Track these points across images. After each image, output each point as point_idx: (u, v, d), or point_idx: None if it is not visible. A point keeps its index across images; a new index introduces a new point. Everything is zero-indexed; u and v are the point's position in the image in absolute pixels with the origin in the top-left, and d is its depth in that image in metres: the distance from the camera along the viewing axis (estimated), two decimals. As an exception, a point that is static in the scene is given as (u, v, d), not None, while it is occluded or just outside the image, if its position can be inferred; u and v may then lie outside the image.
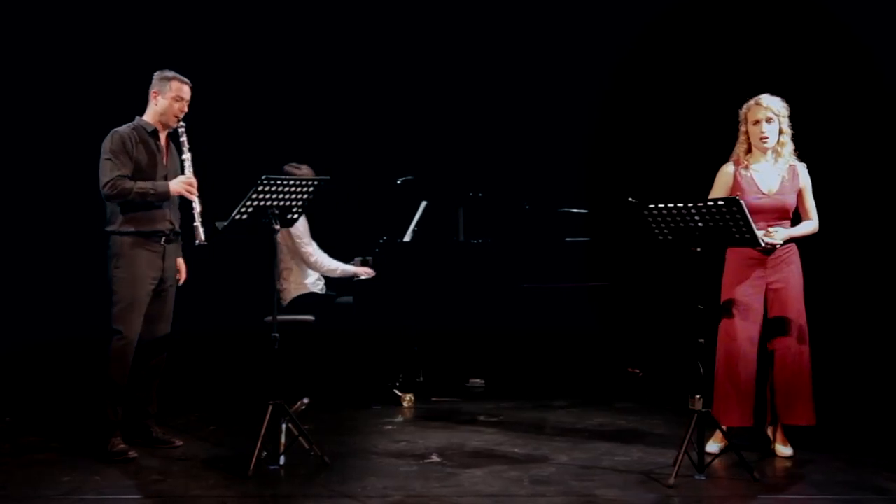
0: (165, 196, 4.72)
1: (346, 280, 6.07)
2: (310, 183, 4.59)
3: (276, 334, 4.53)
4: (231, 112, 7.87)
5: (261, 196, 4.45)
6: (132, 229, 4.67)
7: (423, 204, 6.46)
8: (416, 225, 6.40)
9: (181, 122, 4.81)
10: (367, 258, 6.31)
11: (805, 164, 4.72)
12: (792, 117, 4.70)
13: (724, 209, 4.20)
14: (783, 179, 4.64)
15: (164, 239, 4.76)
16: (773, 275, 4.65)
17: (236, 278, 7.34)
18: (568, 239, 6.30)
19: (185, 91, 4.83)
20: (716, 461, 4.51)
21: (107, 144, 4.68)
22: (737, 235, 4.29)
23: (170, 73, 4.83)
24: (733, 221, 4.23)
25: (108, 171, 4.62)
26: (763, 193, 4.63)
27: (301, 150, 7.50)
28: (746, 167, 4.69)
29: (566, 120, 7.81)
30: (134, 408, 4.84)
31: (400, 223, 6.46)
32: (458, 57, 7.99)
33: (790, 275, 4.66)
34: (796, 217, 4.73)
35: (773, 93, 4.71)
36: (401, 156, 7.54)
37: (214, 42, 7.85)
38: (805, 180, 4.69)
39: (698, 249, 4.37)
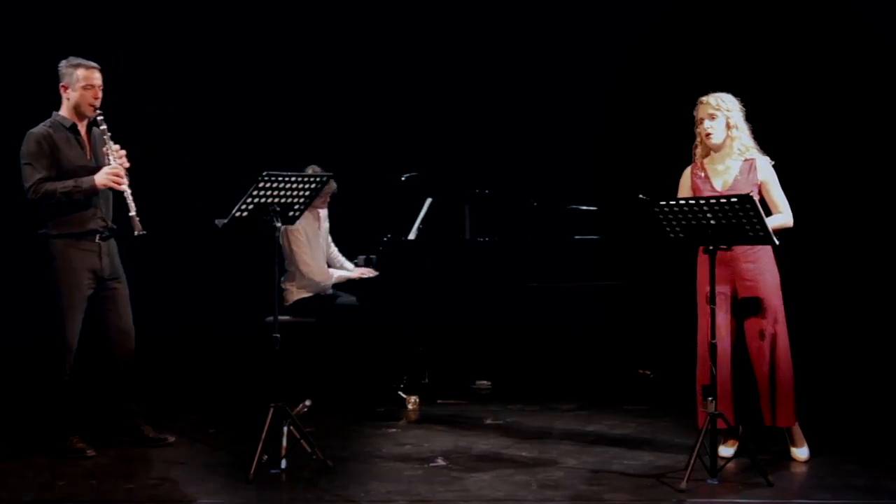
0: (93, 191, 4.59)
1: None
2: (312, 180, 4.52)
3: (278, 335, 4.47)
4: (234, 109, 7.82)
5: (262, 193, 4.38)
6: (64, 231, 4.60)
7: (429, 201, 6.41)
8: (421, 222, 6.34)
9: (98, 111, 4.64)
10: (371, 257, 6.28)
11: (768, 158, 4.62)
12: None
13: (736, 206, 4.11)
14: (737, 174, 4.57)
15: (98, 237, 4.68)
16: (742, 275, 4.55)
17: (236, 277, 7.27)
18: (577, 237, 6.24)
19: (95, 77, 4.65)
20: (729, 465, 4.44)
21: (23, 148, 4.59)
22: (750, 233, 4.19)
23: (75, 61, 4.65)
24: (746, 219, 4.13)
25: (29, 177, 4.54)
26: (716, 190, 4.56)
27: (304, 146, 7.46)
28: (701, 167, 4.66)
29: (575, 115, 7.75)
30: (118, 409, 4.83)
31: (404, 221, 6.40)
32: (464, 52, 7.95)
33: (759, 276, 4.54)
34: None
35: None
36: (405, 151, 7.48)
37: (217, 39, 7.80)
38: (766, 174, 4.58)
39: (711, 248, 4.28)
